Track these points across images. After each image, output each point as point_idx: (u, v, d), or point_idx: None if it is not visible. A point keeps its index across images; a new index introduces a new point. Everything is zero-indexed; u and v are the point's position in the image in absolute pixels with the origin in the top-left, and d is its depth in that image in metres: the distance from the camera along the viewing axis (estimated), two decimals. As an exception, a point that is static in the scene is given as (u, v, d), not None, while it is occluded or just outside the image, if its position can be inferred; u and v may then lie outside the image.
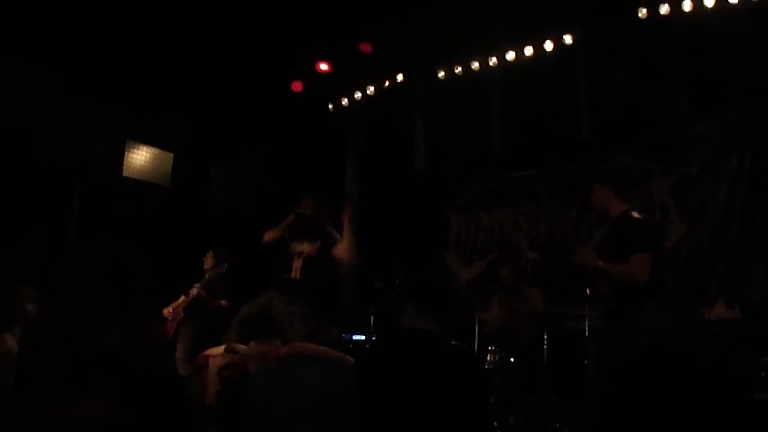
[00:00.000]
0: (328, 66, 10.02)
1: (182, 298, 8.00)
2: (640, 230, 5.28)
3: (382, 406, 3.41)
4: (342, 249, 6.62)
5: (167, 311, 7.95)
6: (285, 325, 6.20)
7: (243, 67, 9.42)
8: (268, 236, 6.79)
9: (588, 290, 7.18)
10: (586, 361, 6.66)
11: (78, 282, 2.38)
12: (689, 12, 7.87)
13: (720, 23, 7.69)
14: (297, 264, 6.59)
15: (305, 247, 6.62)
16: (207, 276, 8.09)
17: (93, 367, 2.30)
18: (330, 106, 10.63)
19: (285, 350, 4.21)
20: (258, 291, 9.33)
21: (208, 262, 8.29)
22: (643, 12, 8.04)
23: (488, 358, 7.37)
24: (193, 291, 7.90)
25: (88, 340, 2.33)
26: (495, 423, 6.78)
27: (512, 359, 7.37)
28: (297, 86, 10.19)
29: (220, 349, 4.59)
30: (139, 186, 9.45)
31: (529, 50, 8.90)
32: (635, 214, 5.33)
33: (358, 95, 10.34)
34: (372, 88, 10.18)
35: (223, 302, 7.99)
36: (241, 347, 4.55)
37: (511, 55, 9.04)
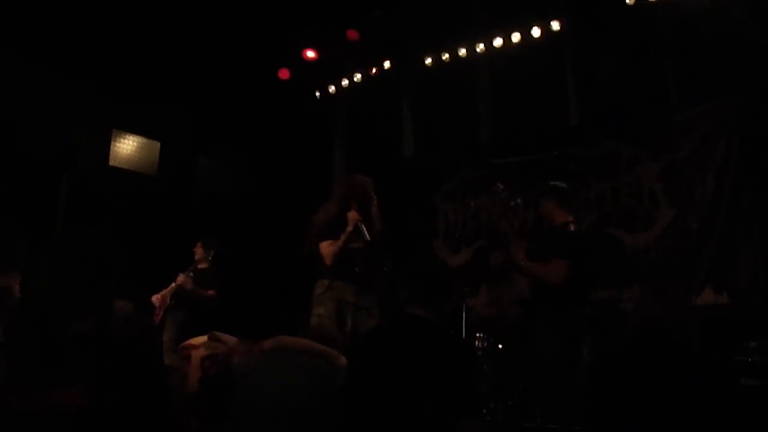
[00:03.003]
0: (315, 53, 9.99)
1: (172, 285, 7.98)
2: (568, 240, 5.79)
3: (375, 390, 3.42)
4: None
5: (156, 298, 7.92)
6: (356, 322, 6.00)
7: (230, 55, 9.38)
8: (333, 256, 6.09)
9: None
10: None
11: (53, 271, 2.37)
12: (677, -2, 7.88)
13: (708, 10, 7.69)
14: (359, 258, 6.24)
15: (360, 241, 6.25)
16: (192, 268, 8.06)
17: (69, 355, 2.29)
18: (317, 94, 10.59)
19: (269, 343, 4.19)
20: (245, 280, 9.35)
21: (199, 252, 8.26)
22: (630, -2, 8.04)
23: (476, 344, 7.37)
24: (179, 279, 7.87)
25: (64, 329, 2.31)
26: (483, 409, 6.78)
27: (500, 346, 7.37)
28: (284, 74, 10.16)
29: (204, 338, 4.56)
30: (126, 175, 9.42)
31: (516, 37, 8.88)
32: (572, 227, 5.85)
33: (345, 82, 10.32)
34: (359, 76, 10.16)
35: (210, 292, 7.95)
36: (226, 336, 4.53)
37: (498, 42, 9.01)
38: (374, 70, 10.00)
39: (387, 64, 9.85)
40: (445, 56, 9.44)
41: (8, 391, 2.24)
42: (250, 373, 3.96)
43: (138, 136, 9.53)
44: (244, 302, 8.47)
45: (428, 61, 9.55)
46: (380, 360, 3.52)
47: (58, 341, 2.28)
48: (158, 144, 9.73)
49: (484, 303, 8.12)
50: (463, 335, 7.49)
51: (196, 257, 8.24)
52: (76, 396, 2.20)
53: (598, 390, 3.36)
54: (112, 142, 9.30)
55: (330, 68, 10.24)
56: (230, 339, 4.49)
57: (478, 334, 7.43)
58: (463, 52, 9.31)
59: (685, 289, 6.87)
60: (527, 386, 6.76)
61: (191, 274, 7.96)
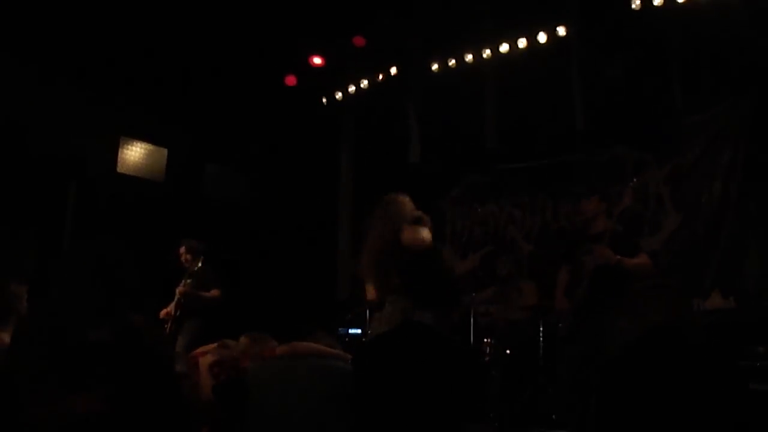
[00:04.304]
0: (322, 60, 10.01)
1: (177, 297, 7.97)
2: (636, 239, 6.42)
3: (379, 397, 3.42)
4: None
5: (164, 312, 7.91)
6: None
7: (236, 62, 9.40)
8: (371, 294, 6.15)
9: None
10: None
11: (67, 279, 2.38)
12: (683, 3, 7.86)
13: (714, 14, 7.69)
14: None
15: None
16: (188, 273, 8.00)
17: (87, 362, 2.30)
18: (324, 100, 10.61)
19: (282, 349, 4.19)
20: (252, 284, 9.36)
21: (185, 255, 8.18)
22: (636, 3, 8.03)
23: (486, 350, 7.37)
24: (180, 289, 7.85)
25: (80, 336, 2.33)
26: (491, 414, 6.79)
27: (508, 351, 7.38)
28: (291, 80, 10.18)
29: (214, 345, 4.57)
30: (134, 182, 9.44)
31: (522, 42, 8.89)
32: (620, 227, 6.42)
33: (351, 89, 10.33)
34: (366, 82, 10.18)
35: (213, 292, 7.93)
36: (235, 343, 4.53)
37: (504, 48, 9.02)
38: (381, 77, 10.01)
39: (393, 70, 9.86)
40: (452, 62, 9.45)
41: (26, 398, 2.25)
42: (264, 380, 3.95)
43: (145, 143, 9.54)
44: (253, 306, 8.47)
45: (435, 67, 9.56)
46: (384, 367, 3.52)
47: (74, 348, 2.30)
48: (165, 151, 9.74)
49: (492, 309, 8.11)
50: (471, 341, 7.51)
51: (185, 262, 8.16)
52: (94, 403, 2.21)
53: (611, 389, 3.34)
54: (119, 149, 9.32)
55: (336, 75, 10.26)
56: (239, 345, 4.49)
57: (485, 340, 7.44)
58: (469, 57, 9.31)
59: (687, 290, 6.98)
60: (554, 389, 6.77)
61: (189, 280, 7.93)
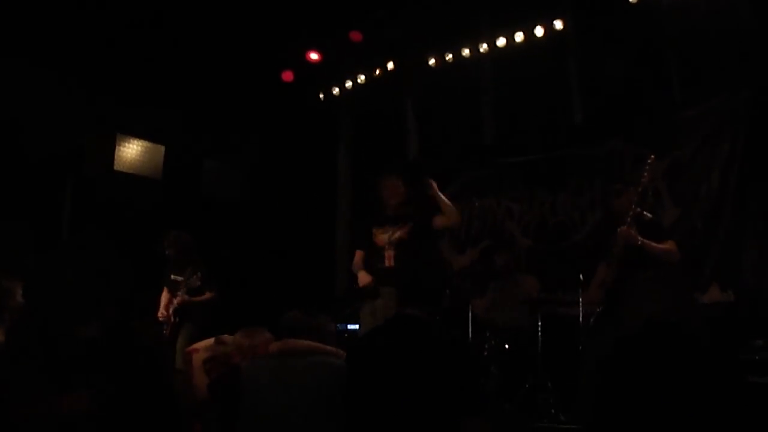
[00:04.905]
0: (319, 55, 9.99)
1: (165, 290, 7.90)
2: (662, 224, 6.43)
3: (374, 393, 3.41)
4: (441, 218, 6.23)
5: (162, 315, 7.86)
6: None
7: (233, 58, 9.39)
8: (364, 279, 6.20)
9: (581, 276, 7.15)
10: (580, 347, 6.60)
11: (57, 276, 2.37)
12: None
13: (711, 7, 7.67)
14: (389, 252, 6.14)
15: (395, 234, 6.24)
16: (184, 286, 7.91)
17: (77, 360, 2.29)
18: (321, 96, 10.59)
19: (276, 346, 4.17)
20: (250, 281, 9.35)
21: (170, 248, 8.06)
22: (633, -4, 8.02)
23: (484, 345, 7.36)
24: (177, 300, 7.79)
25: (69, 333, 2.31)
26: (489, 409, 6.77)
27: (507, 346, 7.36)
28: (288, 76, 10.16)
29: (210, 341, 4.55)
30: (131, 180, 9.42)
31: (519, 36, 8.86)
32: (648, 215, 6.16)
33: (348, 84, 10.31)
34: (362, 77, 10.15)
35: (207, 295, 7.88)
36: (230, 338, 4.51)
37: (501, 42, 9.00)
38: (378, 72, 9.99)
39: (390, 66, 9.84)
40: (449, 57, 9.43)
41: (15, 396, 2.23)
42: (257, 378, 3.94)
43: (142, 140, 9.53)
44: (249, 302, 8.45)
45: (432, 61, 9.54)
46: (377, 362, 3.51)
47: (64, 346, 2.28)
48: (162, 148, 9.72)
49: (490, 303, 8.10)
50: (469, 336, 7.49)
51: (171, 255, 8.04)
52: (83, 401, 2.20)
53: (609, 382, 3.33)
54: (116, 147, 9.30)
55: (333, 70, 10.25)
56: (233, 340, 4.48)
57: (484, 335, 7.43)
58: (466, 52, 9.29)
59: (689, 280, 6.94)
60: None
61: (185, 291, 7.85)
